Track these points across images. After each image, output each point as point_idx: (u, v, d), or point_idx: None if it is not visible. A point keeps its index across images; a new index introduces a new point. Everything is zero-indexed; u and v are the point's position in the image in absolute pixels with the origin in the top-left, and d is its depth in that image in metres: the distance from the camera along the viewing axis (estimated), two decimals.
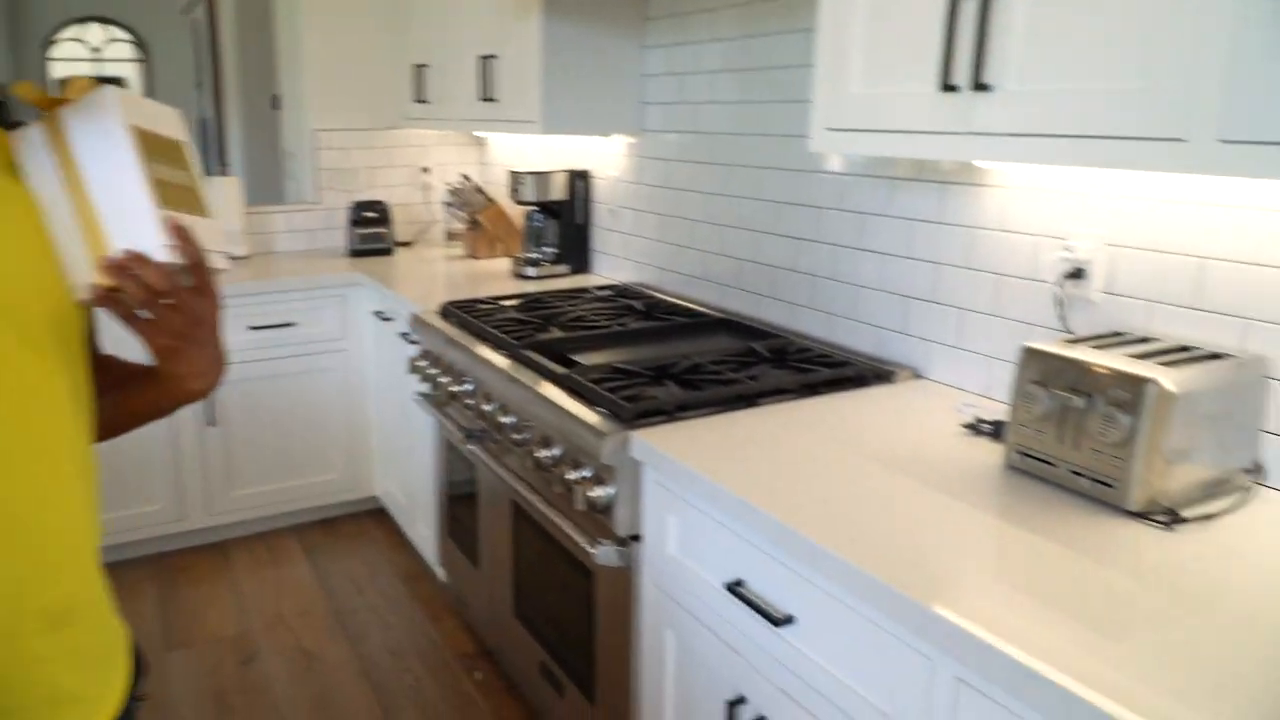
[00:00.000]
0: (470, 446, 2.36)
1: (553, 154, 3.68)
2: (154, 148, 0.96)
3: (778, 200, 2.49)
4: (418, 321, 2.79)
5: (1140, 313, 1.64)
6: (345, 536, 3.65)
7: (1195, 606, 1.14)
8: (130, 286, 0.91)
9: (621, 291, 2.99)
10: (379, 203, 4.00)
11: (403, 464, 3.36)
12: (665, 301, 2.81)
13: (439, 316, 2.77)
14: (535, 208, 3.42)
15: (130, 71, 10.65)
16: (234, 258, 3.80)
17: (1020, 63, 1.42)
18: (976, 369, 1.95)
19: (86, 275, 0.92)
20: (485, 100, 3.28)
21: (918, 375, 2.08)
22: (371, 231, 3.96)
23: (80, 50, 10.45)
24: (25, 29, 10.16)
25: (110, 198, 0.92)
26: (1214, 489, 1.41)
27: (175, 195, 0.96)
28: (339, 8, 4.06)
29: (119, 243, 0.91)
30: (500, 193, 4.06)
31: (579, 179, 3.39)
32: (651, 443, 1.69)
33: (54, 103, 0.96)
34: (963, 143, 1.52)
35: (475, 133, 3.98)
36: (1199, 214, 1.54)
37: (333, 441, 3.65)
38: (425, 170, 4.29)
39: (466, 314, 2.67)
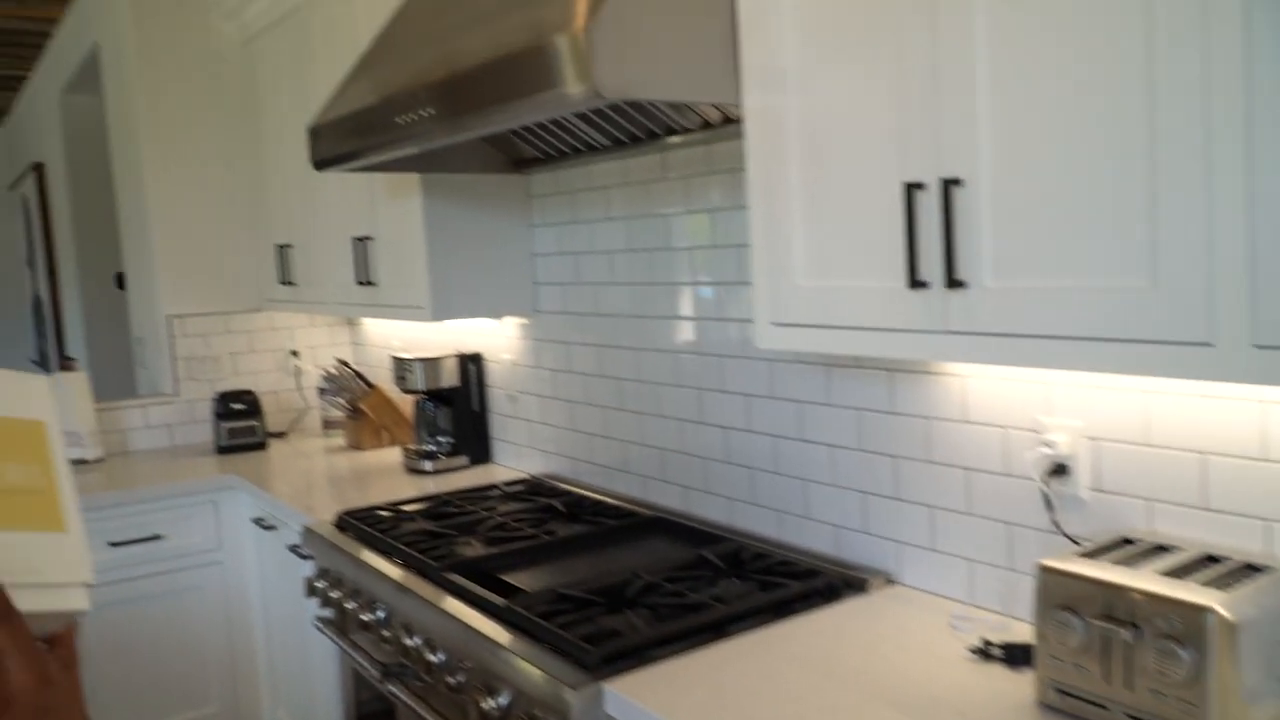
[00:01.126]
0: (390, 687, 2.07)
1: (432, 333, 3.48)
2: None
3: (699, 387, 2.35)
4: (312, 536, 2.51)
5: (1140, 512, 1.55)
6: None
7: None
8: None
9: (534, 488, 2.77)
10: (247, 392, 3.69)
11: (300, 694, 2.98)
12: (588, 499, 2.61)
13: (335, 529, 2.50)
14: (424, 395, 3.20)
15: None
16: (85, 461, 3.42)
17: (994, 257, 1.32)
18: (957, 573, 1.82)
19: None
20: (363, 284, 3.08)
21: (890, 580, 1.92)
22: (241, 425, 3.64)
23: None
24: None
25: None
26: None
27: (11, 508, 0.70)
28: (186, 185, 3.82)
29: None
30: (381, 375, 3.82)
31: (471, 363, 3.20)
32: (631, 698, 1.47)
33: None
34: (938, 341, 1.41)
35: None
36: (1191, 405, 1.47)
37: (211, 669, 3.22)
38: (295, 354, 4.02)
39: (368, 526, 2.40)
